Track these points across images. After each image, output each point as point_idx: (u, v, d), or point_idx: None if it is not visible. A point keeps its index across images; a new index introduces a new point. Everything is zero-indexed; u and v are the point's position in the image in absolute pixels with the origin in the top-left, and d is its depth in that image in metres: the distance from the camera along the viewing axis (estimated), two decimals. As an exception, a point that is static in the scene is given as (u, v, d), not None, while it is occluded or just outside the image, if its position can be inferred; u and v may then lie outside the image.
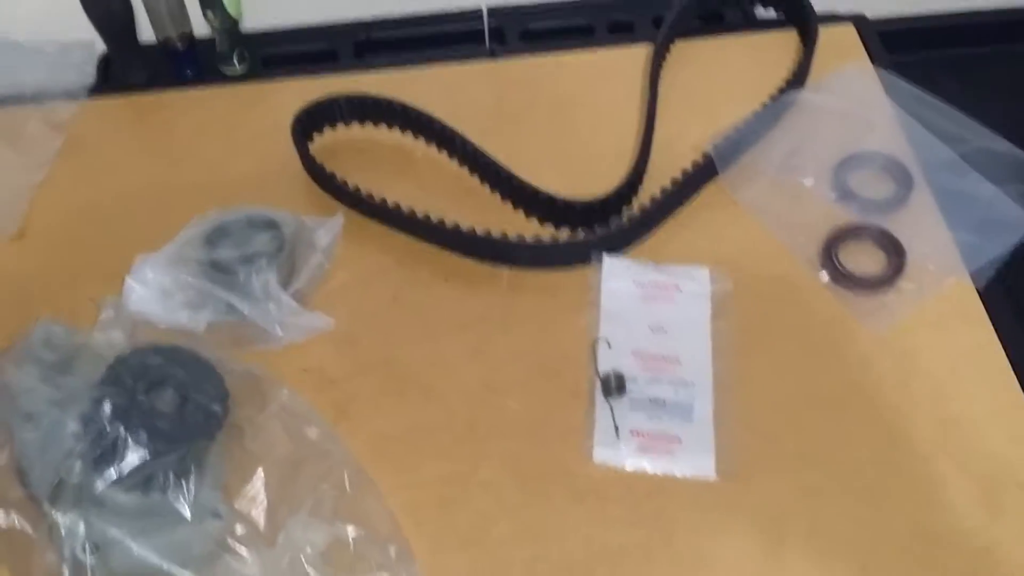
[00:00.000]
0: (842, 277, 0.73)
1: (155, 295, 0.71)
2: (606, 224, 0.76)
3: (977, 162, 0.76)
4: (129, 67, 0.94)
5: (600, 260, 0.75)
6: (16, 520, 0.58)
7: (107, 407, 0.58)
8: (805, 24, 0.91)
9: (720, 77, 0.90)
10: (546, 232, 0.78)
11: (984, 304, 0.71)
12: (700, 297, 0.73)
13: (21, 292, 0.77)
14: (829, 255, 0.74)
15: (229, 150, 0.86)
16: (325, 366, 0.72)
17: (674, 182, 0.77)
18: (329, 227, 0.76)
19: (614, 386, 0.68)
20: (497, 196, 0.81)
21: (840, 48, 0.90)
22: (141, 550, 0.58)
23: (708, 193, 0.80)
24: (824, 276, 0.73)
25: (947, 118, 0.79)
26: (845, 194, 0.77)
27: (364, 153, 0.86)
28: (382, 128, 0.86)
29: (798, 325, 0.72)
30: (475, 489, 0.65)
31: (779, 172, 0.78)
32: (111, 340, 0.64)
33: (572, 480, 0.65)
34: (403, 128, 0.85)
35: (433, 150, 0.84)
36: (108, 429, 0.58)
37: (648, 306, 0.73)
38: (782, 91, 0.84)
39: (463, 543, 0.63)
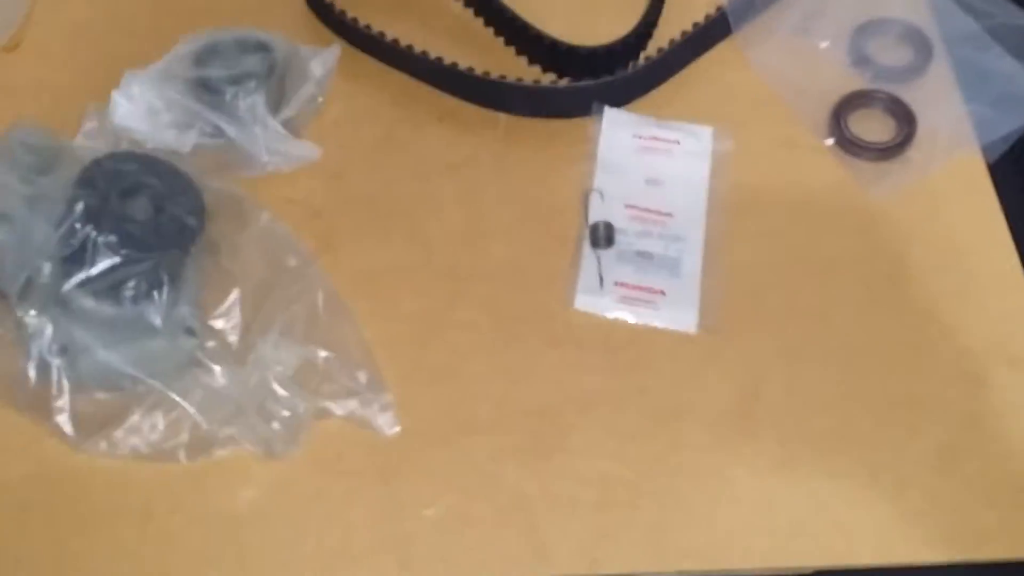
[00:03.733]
0: (848, 142, 0.70)
1: (141, 112, 0.69)
2: (610, 75, 0.73)
3: (1001, 37, 0.73)
4: None
5: (600, 111, 0.73)
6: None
7: (79, 208, 0.57)
8: None
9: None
10: (548, 80, 0.75)
11: (992, 179, 0.69)
12: (700, 154, 0.71)
13: (8, 101, 0.75)
14: (837, 120, 0.71)
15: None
16: (310, 198, 0.70)
17: (684, 35, 0.74)
18: (324, 57, 0.74)
19: (603, 236, 0.67)
20: (501, 40, 0.78)
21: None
22: (109, 357, 0.58)
23: (719, 51, 0.77)
24: (830, 140, 0.71)
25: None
26: (860, 60, 0.74)
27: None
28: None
29: (798, 188, 0.70)
30: (451, 327, 0.65)
31: (795, 33, 0.75)
32: (93, 148, 0.63)
33: (551, 325, 0.64)
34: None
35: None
36: (79, 230, 0.57)
37: (645, 159, 0.71)
38: (807, -49, 0.80)
39: (435, 378, 0.62)
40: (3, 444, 0.59)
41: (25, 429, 0.59)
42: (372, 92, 0.76)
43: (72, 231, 0.57)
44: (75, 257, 0.57)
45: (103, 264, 0.57)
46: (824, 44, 0.75)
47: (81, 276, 0.57)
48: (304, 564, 0.56)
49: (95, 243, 0.57)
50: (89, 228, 0.57)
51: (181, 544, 0.57)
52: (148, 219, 0.59)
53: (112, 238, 0.57)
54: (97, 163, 0.59)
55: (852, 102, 0.72)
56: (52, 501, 0.58)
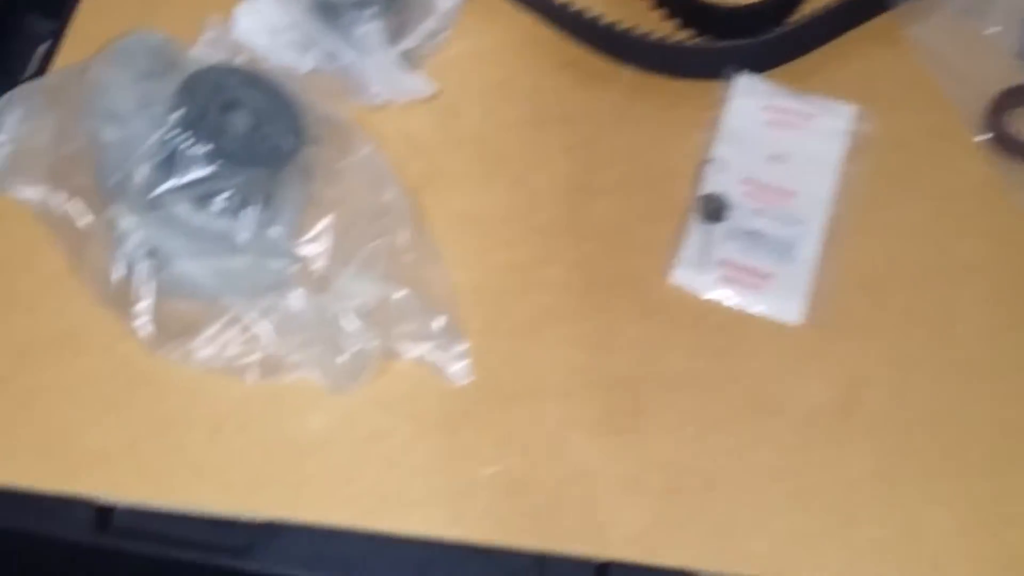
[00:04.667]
0: (1006, 141, 0.63)
1: (262, 28, 0.68)
2: (750, 37, 0.68)
3: None
4: None
5: (733, 76, 0.68)
6: (78, 207, 0.58)
7: (177, 115, 0.56)
8: None
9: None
10: (683, 37, 0.71)
11: None
12: (836, 134, 0.65)
13: (138, 7, 0.76)
14: (997, 114, 0.64)
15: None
16: (418, 133, 0.68)
17: (837, 2, 0.68)
18: (453, -10, 0.72)
19: (714, 208, 0.62)
20: (640, -5, 0.74)
21: None
22: (194, 267, 0.58)
23: (874, 24, 0.70)
24: (986, 136, 0.64)
25: None
26: (1034, 51, 0.67)
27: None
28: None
29: (940, 185, 0.63)
30: (540, 284, 0.62)
31: (961, 15, 0.68)
32: (208, 58, 0.62)
33: (644, 296, 0.61)
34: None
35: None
36: (175, 137, 0.56)
37: (774, 132, 0.65)
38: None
39: (514, 333, 0.60)
40: (86, 337, 0.60)
41: (108, 326, 0.59)
42: (497, 33, 0.73)
43: (168, 137, 0.57)
44: (168, 163, 0.56)
45: (194, 174, 0.57)
46: (992, 30, 0.67)
47: (172, 183, 0.56)
48: (356, 503, 0.55)
49: (189, 151, 0.56)
50: (184, 136, 0.57)
51: (243, 461, 0.56)
52: (244, 134, 0.58)
53: (205, 148, 0.56)
54: (200, 73, 0.59)
55: (1016, 97, 0.64)
56: (127, 400, 0.58)
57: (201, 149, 0.56)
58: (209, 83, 0.58)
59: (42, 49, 0.74)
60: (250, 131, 0.58)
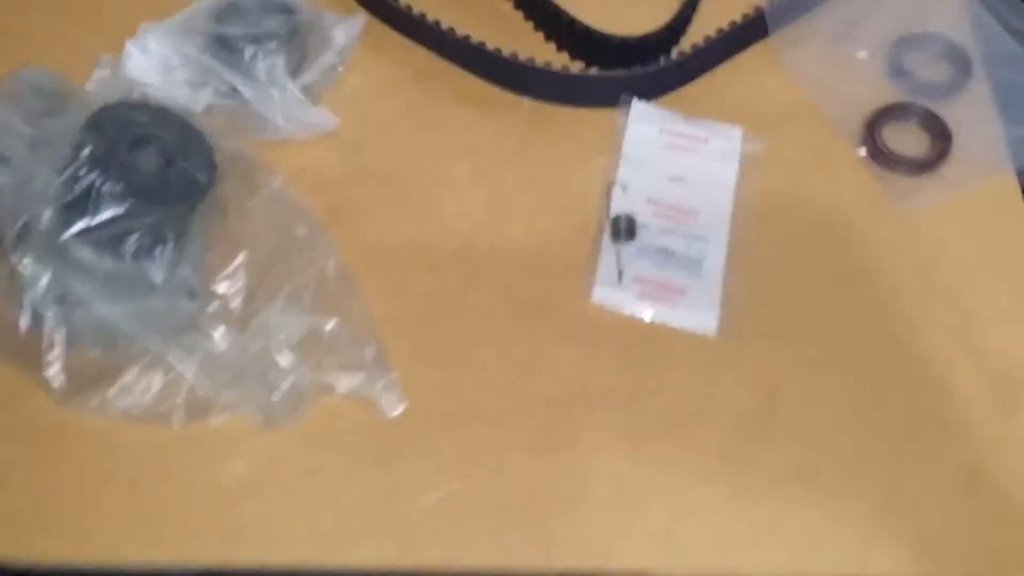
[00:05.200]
0: (881, 154, 0.68)
1: (156, 65, 0.67)
2: (642, 66, 0.71)
3: (1043, 60, 0.71)
4: None
5: (628, 103, 0.71)
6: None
7: (85, 153, 0.54)
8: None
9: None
10: (576, 68, 0.73)
11: (1026, 202, 0.67)
12: (728, 155, 0.69)
13: (20, 48, 0.72)
14: (871, 131, 0.69)
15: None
16: (323, 168, 0.68)
17: (719, 33, 0.72)
18: (348, 26, 0.71)
19: (624, 228, 0.64)
20: (530, 23, 0.76)
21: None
22: (106, 312, 0.55)
23: (753, 52, 0.75)
24: (862, 151, 0.69)
25: (1018, 13, 0.74)
26: (898, 72, 0.72)
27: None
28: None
29: (826, 198, 0.68)
30: (463, 311, 0.62)
31: (833, 41, 0.73)
32: (103, 96, 0.60)
33: (565, 317, 0.62)
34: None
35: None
36: (83, 176, 0.54)
37: (672, 155, 0.69)
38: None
39: (442, 361, 0.60)
40: (-7, 397, 0.56)
41: (11, 381, 0.56)
42: (394, 66, 0.74)
43: (75, 177, 0.55)
44: (77, 204, 0.54)
45: (106, 213, 0.54)
46: (862, 54, 0.73)
47: (81, 224, 0.54)
48: (295, 545, 0.54)
49: (99, 191, 0.54)
50: (94, 175, 0.54)
51: (167, 513, 0.54)
52: (156, 171, 0.56)
53: (117, 187, 0.54)
54: (107, 109, 0.56)
55: (887, 114, 0.70)
56: (34, 458, 0.55)
57: (112, 188, 0.54)
58: (117, 119, 0.56)
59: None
60: (162, 168, 0.57)
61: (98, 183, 0.54)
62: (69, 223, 0.54)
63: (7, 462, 0.55)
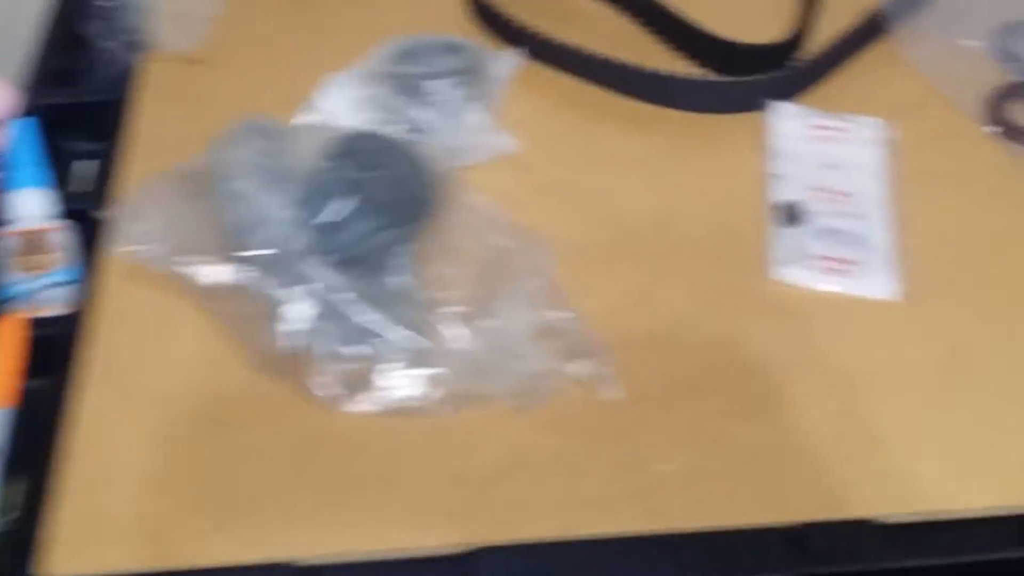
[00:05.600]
0: (1010, 130, 0.75)
1: (344, 109, 0.73)
2: (776, 70, 0.78)
3: None
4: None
5: (766, 106, 0.77)
6: (231, 277, 0.61)
7: (324, 181, 0.60)
8: None
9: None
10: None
11: None
12: (871, 141, 0.75)
13: (201, 111, 0.79)
14: (996, 109, 0.76)
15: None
16: (506, 187, 0.74)
17: (844, 33, 0.79)
18: (505, 61, 0.78)
19: (790, 215, 0.71)
20: (658, 40, 0.83)
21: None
22: (360, 322, 0.61)
23: (877, 50, 0.82)
24: (991, 128, 0.75)
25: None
26: (1008, 57, 0.79)
27: (526, 4, 0.87)
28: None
29: (966, 172, 0.74)
30: (657, 302, 0.67)
31: (946, 32, 0.80)
32: (322, 132, 0.66)
33: (755, 297, 0.68)
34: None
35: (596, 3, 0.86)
36: (325, 203, 0.60)
37: (819, 146, 0.75)
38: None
39: (648, 346, 0.65)
40: (264, 413, 0.62)
41: (279, 394, 0.62)
42: (546, 95, 0.80)
43: (318, 204, 0.61)
44: (323, 228, 0.60)
45: (350, 233, 0.61)
46: (974, 43, 0.80)
47: (328, 245, 0.60)
48: (555, 511, 0.58)
49: (342, 213, 0.60)
50: (337, 199, 0.61)
51: (431, 499, 0.59)
52: (390, 193, 0.63)
53: (358, 208, 0.60)
54: (345, 139, 0.63)
55: (1008, 93, 0.77)
56: (305, 461, 0.60)
57: (354, 209, 0.60)
58: (353, 147, 0.63)
59: (80, 165, 0.77)
60: (394, 190, 0.63)
61: (341, 206, 0.61)
62: (317, 245, 0.60)
63: (284, 466, 0.60)
